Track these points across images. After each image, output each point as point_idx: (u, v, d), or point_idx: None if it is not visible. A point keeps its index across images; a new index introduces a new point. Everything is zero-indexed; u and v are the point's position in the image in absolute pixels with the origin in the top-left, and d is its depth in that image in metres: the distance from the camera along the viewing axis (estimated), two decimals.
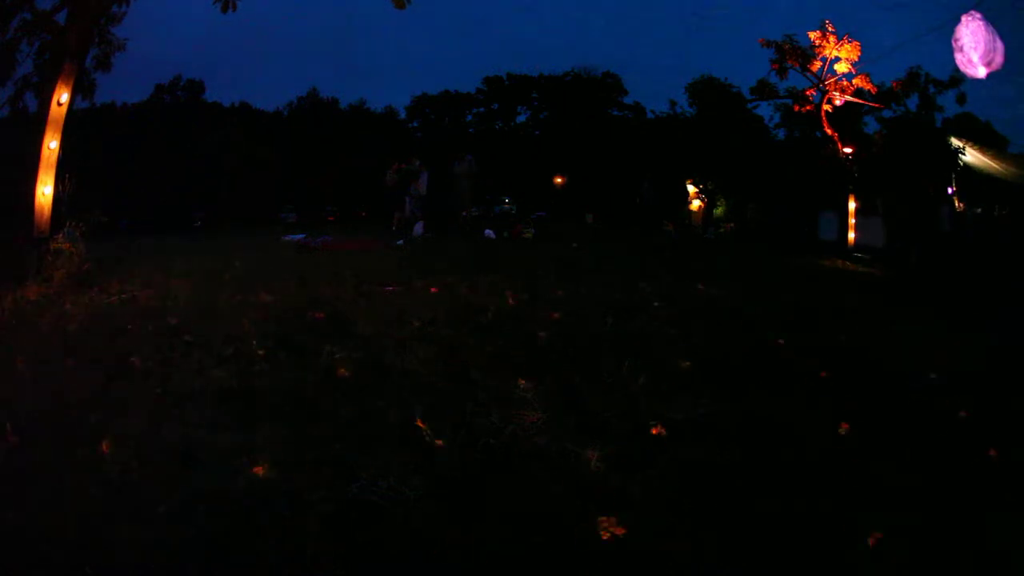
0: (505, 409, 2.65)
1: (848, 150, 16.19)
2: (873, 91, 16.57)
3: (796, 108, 17.40)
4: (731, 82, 23.50)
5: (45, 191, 5.96)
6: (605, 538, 1.82)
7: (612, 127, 36.53)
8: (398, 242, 10.76)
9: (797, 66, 16.63)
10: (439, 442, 2.38)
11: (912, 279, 10.60)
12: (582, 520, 1.91)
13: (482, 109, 45.78)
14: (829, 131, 16.52)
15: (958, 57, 10.35)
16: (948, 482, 2.25)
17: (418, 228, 12.69)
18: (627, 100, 41.44)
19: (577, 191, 33.75)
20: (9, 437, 2.30)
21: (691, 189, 24.09)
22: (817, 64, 16.45)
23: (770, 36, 18.82)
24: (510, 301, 5.13)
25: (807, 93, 17.01)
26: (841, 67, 16.11)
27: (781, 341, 4.04)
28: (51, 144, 5.98)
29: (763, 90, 18.66)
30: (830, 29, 16.02)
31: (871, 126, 19.57)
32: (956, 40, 10.29)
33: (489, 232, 13.24)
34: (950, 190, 15.59)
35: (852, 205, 15.65)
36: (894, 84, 17.22)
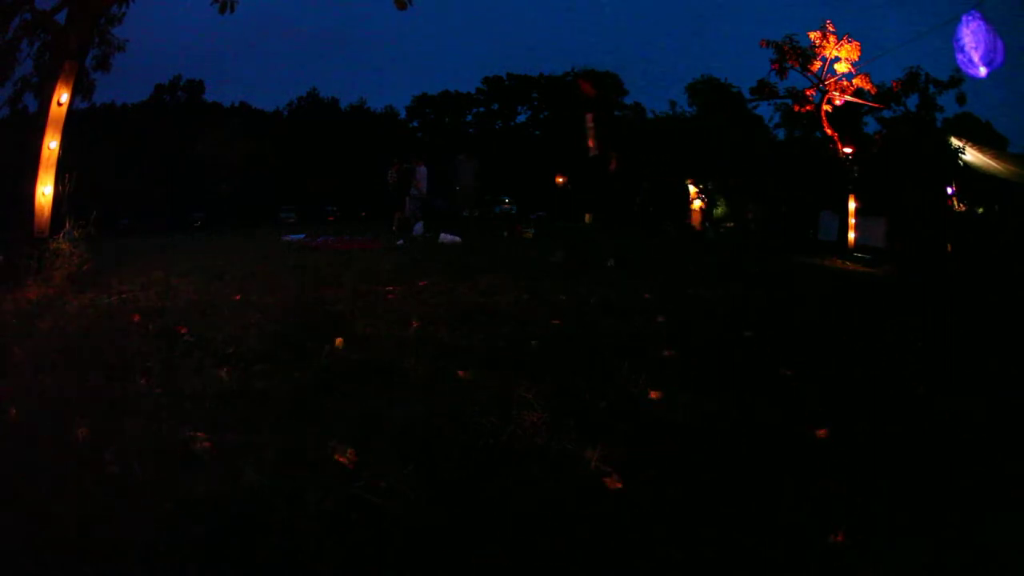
0: (505, 409, 2.65)
1: (848, 150, 16.20)
2: (873, 91, 16.60)
3: (796, 108, 17.41)
4: (731, 82, 23.56)
5: (45, 191, 5.96)
6: (607, 539, 1.82)
7: (612, 127, 36.50)
8: (398, 242, 10.76)
9: (797, 66, 16.65)
10: (439, 442, 2.37)
11: (911, 280, 10.60)
12: (583, 521, 1.90)
13: (482, 109, 45.81)
14: (829, 131, 16.53)
15: (959, 57, 10.37)
16: None
17: (418, 228, 12.69)
18: (627, 100, 41.47)
19: (577, 191, 33.73)
20: (9, 437, 2.30)
21: (691, 189, 24.09)
22: (817, 64, 16.47)
23: (771, 36, 18.84)
24: (510, 301, 5.13)
25: (807, 93, 17.02)
26: (841, 67, 16.14)
27: (778, 339, 4.03)
28: (51, 144, 5.98)
29: (763, 90, 18.68)
30: (830, 29, 16.04)
31: (871, 126, 19.60)
32: (957, 40, 10.30)
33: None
34: (950, 190, 15.58)
35: (852, 205, 15.65)
36: (894, 84, 17.24)
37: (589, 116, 7.94)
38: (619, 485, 2.12)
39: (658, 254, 11.15)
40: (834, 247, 15.48)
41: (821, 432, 2.62)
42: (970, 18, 10.25)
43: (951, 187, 15.61)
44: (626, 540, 1.82)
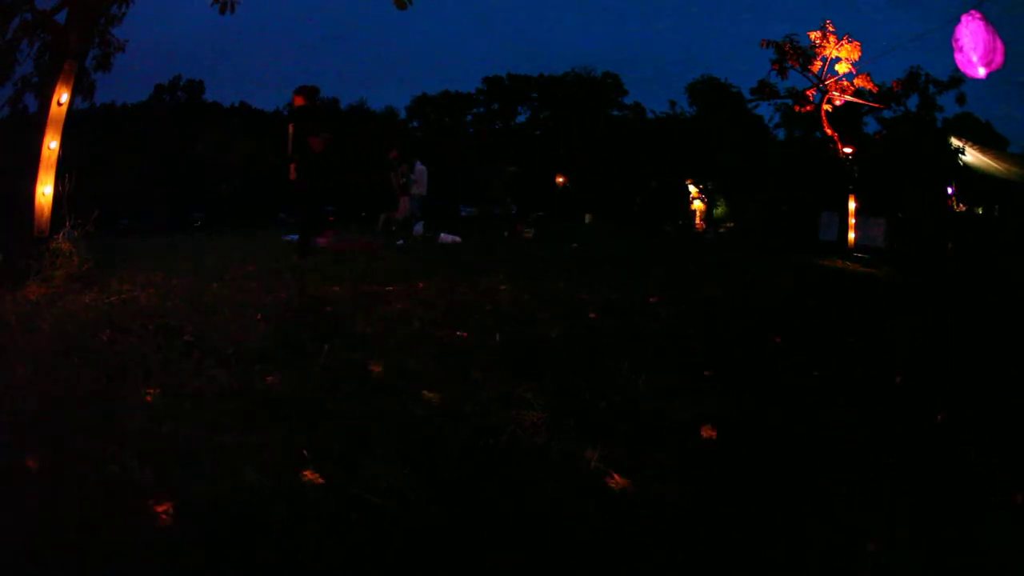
0: (505, 409, 2.65)
1: (848, 150, 16.20)
2: (874, 91, 16.61)
3: (796, 108, 17.41)
4: (731, 82, 23.61)
5: (45, 191, 5.96)
6: (607, 540, 1.82)
7: (612, 127, 36.57)
8: (398, 242, 10.77)
9: (797, 66, 16.66)
10: (439, 442, 2.38)
11: (911, 280, 10.60)
12: (583, 522, 1.91)
13: (482, 109, 45.84)
14: (829, 131, 16.53)
15: (958, 57, 10.36)
16: None
17: (418, 228, 12.69)
18: (627, 100, 41.55)
19: (577, 191, 33.77)
20: (8, 437, 2.30)
21: (692, 189, 24.12)
22: (817, 64, 16.48)
23: (771, 36, 18.86)
24: (510, 301, 5.13)
25: (807, 93, 17.03)
26: (841, 67, 16.14)
27: (778, 339, 4.04)
28: (51, 144, 5.97)
29: (763, 90, 18.68)
30: (830, 29, 16.04)
31: (871, 126, 19.62)
32: (956, 40, 10.30)
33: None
34: (950, 190, 15.59)
35: (852, 205, 15.64)
36: (894, 84, 17.25)
37: (290, 126, 7.90)
38: (620, 485, 2.12)
39: (658, 254, 11.15)
40: (834, 247, 15.47)
41: (820, 432, 2.62)
42: (969, 18, 10.24)
43: (951, 187, 15.62)
44: (627, 540, 1.83)
